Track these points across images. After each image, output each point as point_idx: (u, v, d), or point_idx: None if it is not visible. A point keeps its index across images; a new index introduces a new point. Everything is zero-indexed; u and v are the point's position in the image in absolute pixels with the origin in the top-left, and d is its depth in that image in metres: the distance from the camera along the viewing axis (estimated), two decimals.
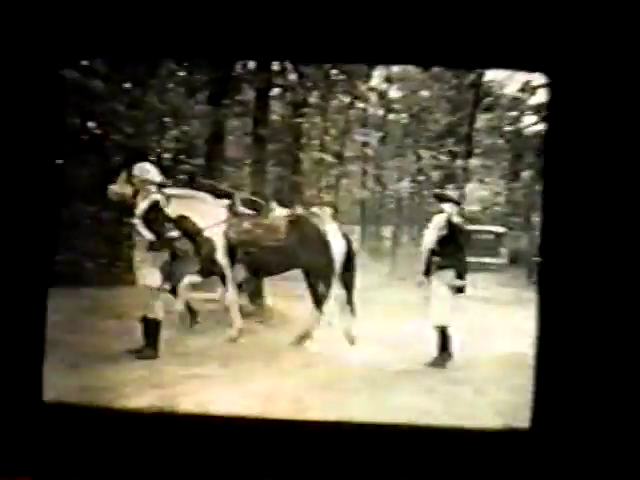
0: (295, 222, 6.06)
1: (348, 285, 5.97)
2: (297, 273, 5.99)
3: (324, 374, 5.11)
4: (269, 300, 6.46)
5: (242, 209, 6.17)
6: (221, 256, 6.03)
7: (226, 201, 6.17)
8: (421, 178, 8.81)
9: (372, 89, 8.71)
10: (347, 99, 8.42)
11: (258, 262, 6.03)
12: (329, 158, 8.03)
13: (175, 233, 5.76)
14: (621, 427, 3.56)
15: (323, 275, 5.93)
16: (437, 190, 6.39)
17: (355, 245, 6.30)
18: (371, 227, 8.56)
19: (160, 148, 6.80)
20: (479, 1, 3.63)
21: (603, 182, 3.57)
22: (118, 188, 5.72)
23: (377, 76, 8.68)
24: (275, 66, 6.96)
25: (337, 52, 3.87)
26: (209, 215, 6.09)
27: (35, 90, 3.62)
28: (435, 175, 8.69)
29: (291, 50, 3.88)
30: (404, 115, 9.11)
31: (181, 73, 6.67)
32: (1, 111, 3.59)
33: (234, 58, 5.72)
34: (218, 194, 6.22)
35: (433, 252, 5.70)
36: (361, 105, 8.65)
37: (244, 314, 6.09)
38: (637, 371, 3.56)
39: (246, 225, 6.06)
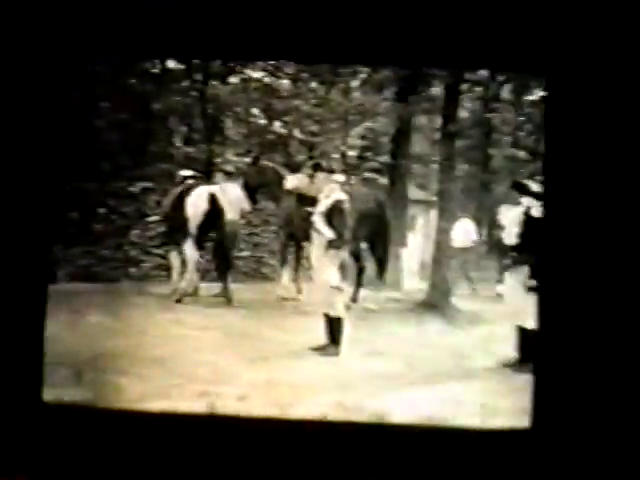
0: None
1: None
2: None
3: (510, 378, 4.85)
4: (456, 300, 6.23)
5: None
6: None
7: None
8: None
9: None
10: (542, 92, 8.00)
11: None
12: (522, 154, 7.66)
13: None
14: (621, 427, 3.62)
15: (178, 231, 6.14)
16: (520, 180, 5.53)
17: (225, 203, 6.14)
18: None
19: (345, 145, 6.82)
20: (480, 2, 3.76)
21: (604, 183, 3.66)
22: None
23: None
24: None
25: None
26: None
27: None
28: None
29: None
30: None
31: (366, 70, 6.63)
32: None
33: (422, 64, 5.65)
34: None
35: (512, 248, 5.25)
36: None
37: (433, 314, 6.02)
38: (637, 371, 3.64)
39: None
